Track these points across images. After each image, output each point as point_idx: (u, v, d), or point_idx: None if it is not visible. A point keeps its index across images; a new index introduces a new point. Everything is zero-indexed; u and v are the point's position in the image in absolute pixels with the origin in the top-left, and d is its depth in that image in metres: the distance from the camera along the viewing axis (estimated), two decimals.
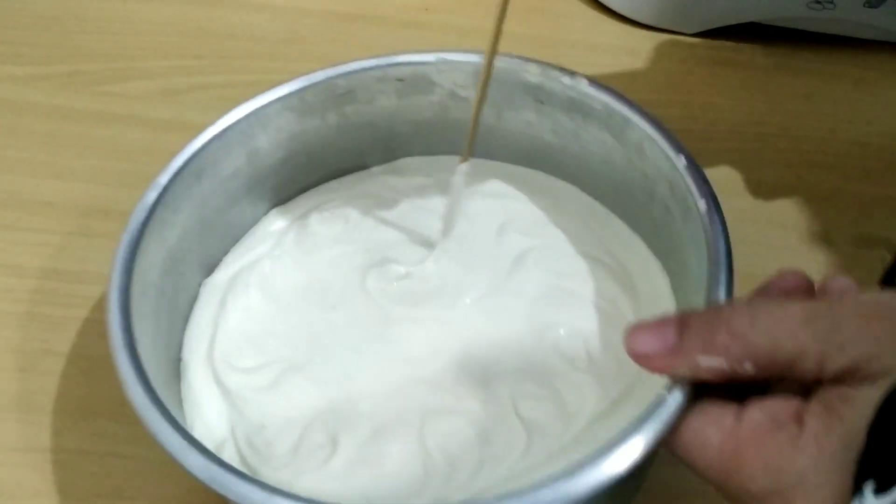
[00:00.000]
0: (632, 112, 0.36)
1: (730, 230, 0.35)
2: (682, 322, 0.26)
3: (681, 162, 0.35)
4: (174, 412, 0.29)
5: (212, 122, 0.36)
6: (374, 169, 0.42)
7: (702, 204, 0.33)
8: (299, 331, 0.36)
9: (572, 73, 0.38)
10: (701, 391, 0.27)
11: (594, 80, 0.37)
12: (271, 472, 0.32)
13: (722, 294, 0.30)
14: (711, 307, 0.27)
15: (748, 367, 0.25)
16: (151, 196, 0.34)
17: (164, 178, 0.35)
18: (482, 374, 0.35)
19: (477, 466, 0.32)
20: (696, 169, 0.34)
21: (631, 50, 0.54)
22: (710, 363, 0.25)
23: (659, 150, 0.36)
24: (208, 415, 0.34)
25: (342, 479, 0.32)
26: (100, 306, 0.41)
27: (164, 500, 0.36)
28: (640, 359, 0.27)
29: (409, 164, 0.43)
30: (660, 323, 0.27)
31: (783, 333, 0.24)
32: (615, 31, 0.55)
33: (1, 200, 0.44)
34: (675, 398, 0.27)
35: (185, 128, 0.47)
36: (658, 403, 0.27)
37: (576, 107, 0.38)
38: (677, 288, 0.37)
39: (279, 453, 0.33)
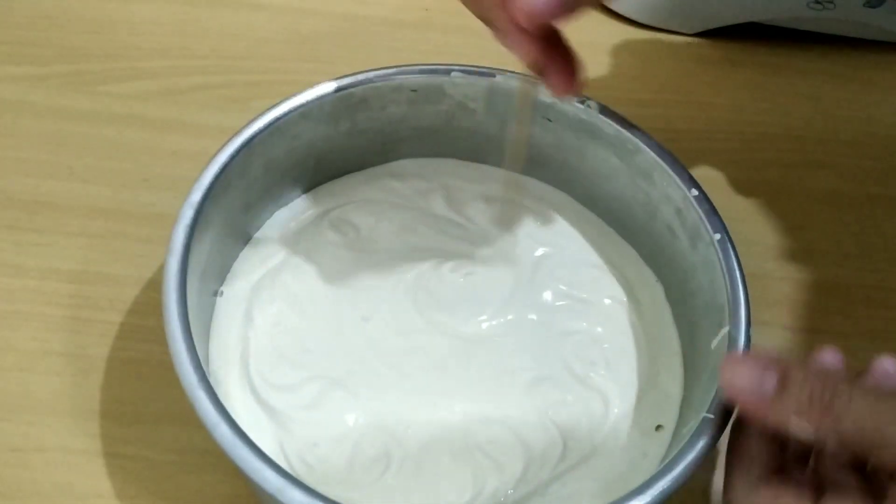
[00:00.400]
0: (644, 142, 0.37)
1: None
2: (785, 374, 0.27)
3: (692, 193, 0.36)
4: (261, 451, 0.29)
5: (237, 133, 0.36)
6: (372, 170, 0.43)
7: (716, 237, 0.35)
8: (334, 344, 0.37)
9: (585, 99, 0.38)
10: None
11: (606, 108, 0.38)
12: (329, 488, 0.31)
13: (742, 319, 0.33)
14: (815, 370, 0.28)
15: (831, 443, 0.27)
16: (188, 215, 0.34)
17: (196, 196, 0.34)
18: (513, 382, 0.36)
19: (522, 472, 0.34)
20: (707, 201, 0.36)
21: (631, 50, 0.54)
22: (799, 426, 0.27)
23: (669, 179, 0.37)
24: (250, 432, 0.34)
25: (401, 492, 0.33)
26: (100, 306, 0.41)
27: (164, 500, 0.36)
28: (734, 392, 0.28)
29: (406, 166, 0.43)
30: (761, 364, 0.28)
31: (874, 424, 0.26)
32: (615, 31, 0.55)
33: (1, 200, 0.44)
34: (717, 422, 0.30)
35: (185, 128, 0.48)
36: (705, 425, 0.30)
37: (585, 128, 0.39)
38: (672, 298, 0.39)
39: (335, 470, 0.33)
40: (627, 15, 0.55)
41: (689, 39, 0.55)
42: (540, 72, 0.32)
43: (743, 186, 0.48)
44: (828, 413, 0.26)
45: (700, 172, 0.37)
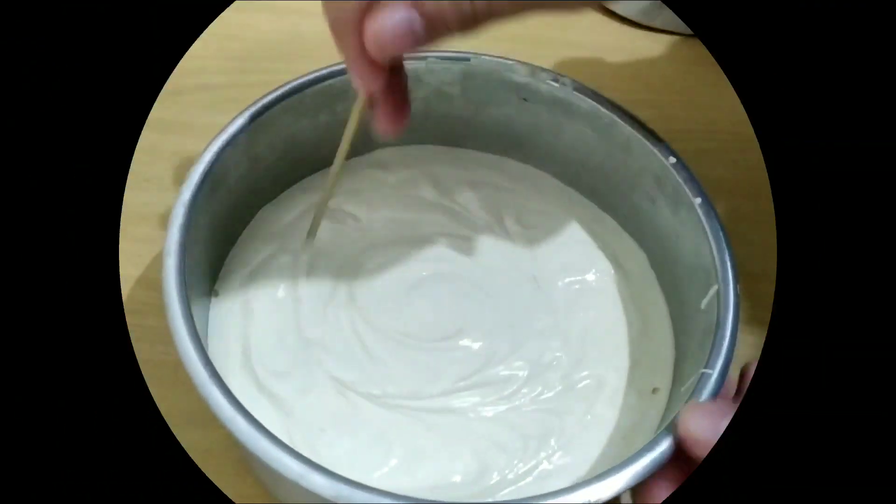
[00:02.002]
0: (618, 115, 0.38)
1: (729, 230, 0.35)
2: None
3: (670, 161, 0.37)
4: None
5: (221, 130, 0.36)
6: (353, 161, 0.43)
7: (697, 200, 0.35)
8: (329, 328, 0.37)
9: (559, 76, 0.39)
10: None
11: (580, 84, 0.39)
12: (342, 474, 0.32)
13: (730, 277, 0.34)
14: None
15: None
16: (181, 214, 0.33)
17: (186, 195, 0.34)
18: (507, 361, 0.37)
19: (522, 449, 0.34)
20: (685, 168, 0.37)
21: (630, 50, 0.54)
22: None
23: (647, 149, 0.37)
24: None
25: (410, 475, 0.34)
26: None
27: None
28: (689, 441, 0.28)
29: (385, 156, 0.43)
30: (718, 411, 0.28)
31: None
32: (615, 32, 0.55)
33: None
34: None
35: (185, 128, 0.48)
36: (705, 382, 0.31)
37: (560, 105, 0.40)
38: (656, 264, 0.40)
39: (343, 455, 0.34)
40: (627, 15, 0.55)
41: (689, 39, 0.55)
42: (372, 105, 0.32)
43: (742, 186, 0.48)
44: None
45: (700, 172, 0.37)
